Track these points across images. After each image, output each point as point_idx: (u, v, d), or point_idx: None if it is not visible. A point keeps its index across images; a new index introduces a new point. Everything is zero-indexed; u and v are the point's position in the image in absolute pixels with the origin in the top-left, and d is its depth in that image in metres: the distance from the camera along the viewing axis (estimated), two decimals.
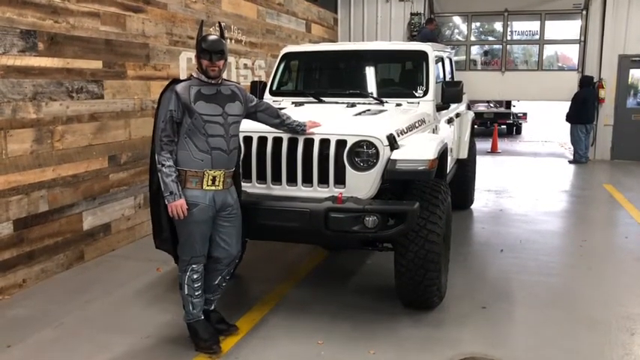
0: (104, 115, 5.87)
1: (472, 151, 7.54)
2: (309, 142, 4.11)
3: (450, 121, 6.09)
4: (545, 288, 4.95)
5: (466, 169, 7.35)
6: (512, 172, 11.47)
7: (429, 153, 4.06)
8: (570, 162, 12.58)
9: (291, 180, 4.18)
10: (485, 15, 14.21)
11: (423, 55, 5.48)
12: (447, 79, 6.38)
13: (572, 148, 13.04)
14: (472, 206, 7.98)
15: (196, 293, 3.82)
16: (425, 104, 5.21)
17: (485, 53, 15.03)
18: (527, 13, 13.47)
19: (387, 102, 5.19)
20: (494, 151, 14.66)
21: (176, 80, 3.71)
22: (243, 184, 4.24)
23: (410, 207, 3.90)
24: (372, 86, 5.49)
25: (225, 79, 3.84)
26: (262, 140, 4.21)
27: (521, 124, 20.00)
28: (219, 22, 3.87)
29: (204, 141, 3.61)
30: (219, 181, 3.68)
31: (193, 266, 3.76)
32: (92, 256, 5.76)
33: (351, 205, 3.92)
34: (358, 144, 4.05)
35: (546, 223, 7.24)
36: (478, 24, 14.96)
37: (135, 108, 6.36)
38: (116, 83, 6.05)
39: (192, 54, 7.54)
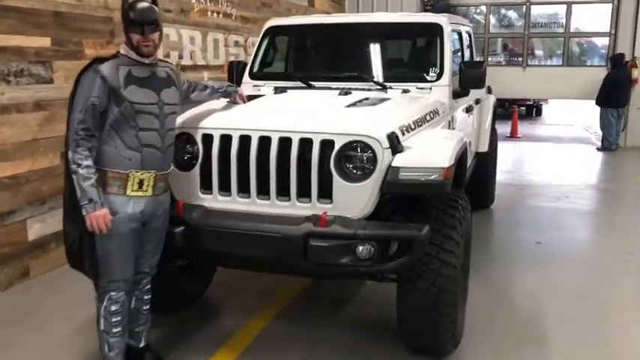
0: (54, 103, 4.89)
1: (493, 141, 6.48)
2: (285, 143, 3.12)
3: (469, 109, 5.05)
4: (588, 320, 3.96)
5: (486, 163, 6.30)
6: (536, 161, 10.41)
7: (444, 158, 3.05)
8: (599, 149, 11.47)
9: (263, 192, 3.20)
10: (505, 5, 13.13)
11: (436, 29, 4.42)
12: (466, 58, 5.31)
13: (598, 132, 11.93)
14: (492, 205, 6.94)
15: (114, 330, 2.97)
16: (438, 90, 4.18)
17: (505, 47, 14.06)
18: (551, 3, 12.33)
19: (391, 88, 4.16)
20: (514, 135, 13.55)
21: (99, 59, 2.86)
22: (201, 195, 3.31)
23: (417, 232, 2.91)
24: (373, 68, 4.45)
25: (160, 59, 3.01)
26: (226, 139, 3.22)
27: (541, 105, 18.89)
28: None
29: (134, 135, 2.83)
30: (147, 185, 2.89)
31: (111, 294, 2.94)
32: (40, 271, 4.83)
33: (339, 228, 2.94)
34: (349, 146, 3.06)
35: (580, 229, 6.22)
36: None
37: None
38: (70, 64, 5.05)
39: (169, 29, 6.55)
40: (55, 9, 4.88)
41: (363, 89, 4.15)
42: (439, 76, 4.24)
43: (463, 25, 5.32)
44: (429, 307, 3.10)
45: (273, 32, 4.80)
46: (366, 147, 3.04)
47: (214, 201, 3.29)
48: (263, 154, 3.15)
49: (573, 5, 12.33)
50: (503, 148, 9.90)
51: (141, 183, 2.84)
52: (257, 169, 3.17)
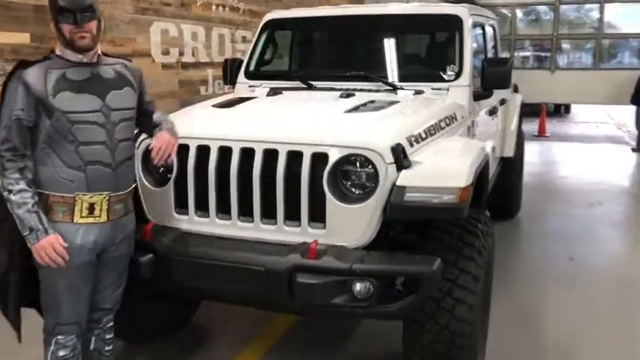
0: None
1: (520, 145, 5.90)
2: (271, 155, 2.63)
3: (492, 111, 4.50)
4: (632, 355, 3.40)
5: (512, 169, 5.71)
6: (565, 163, 9.76)
7: (460, 176, 2.52)
8: (634, 150, 10.74)
9: (246, 213, 2.72)
10: (532, 5, 12.47)
11: (455, 22, 3.87)
12: (490, 55, 4.75)
13: (632, 131, 11.23)
14: (518, 213, 6.36)
15: None
16: (457, 91, 3.64)
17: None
18: (583, 2, 11.65)
19: (402, 88, 3.65)
20: (541, 134, 12.84)
21: (25, 63, 2.33)
22: (176, 215, 2.85)
23: (425, 268, 2.39)
24: (382, 65, 3.90)
25: (106, 54, 2.51)
26: (203, 151, 2.75)
27: None
28: None
29: (74, 151, 2.31)
30: (99, 210, 2.37)
31: (59, 338, 2.44)
32: None
33: (331, 261, 2.44)
34: (346, 160, 2.57)
35: (617, 241, 5.65)
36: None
37: None
38: None
39: (168, 25, 6.11)
40: (36, 2, 4.46)
41: (370, 90, 3.64)
42: (458, 74, 3.69)
43: (486, 17, 4.75)
44: (442, 354, 2.58)
45: (273, 26, 4.31)
46: (366, 161, 2.55)
47: (190, 223, 2.82)
48: (246, 169, 2.67)
49: (606, 4, 11.63)
50: (530, 148, 9.33)
51: (91, 208, 2.34)
52: (239, 187, 2.70)
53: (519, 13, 13.01)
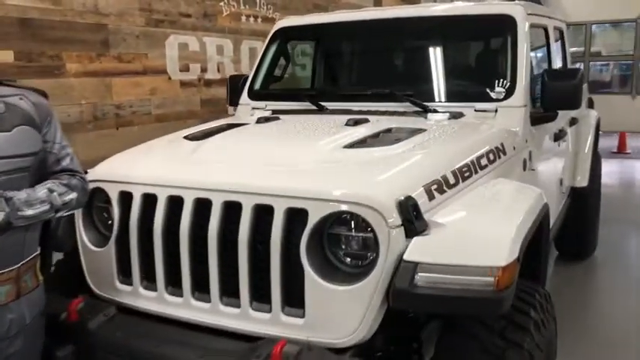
0: None
1: (595, 172, 4.89)
2: (233, 210, 1.89)
3: (558, 136, 3.56)
4: None
5: (586, 201, 4.72)
6: None
7: (501, 248, 1.68)
8: None
9: (202, 288, 1.98)
10: (609, 23, 11.24)
11: (506, 24, 2.99)
12: (555, 66, 3.78)
13: None
14: (595, 252, 5.33)
15: None
16: (507, 113, 2.77)
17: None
18: None
19: (435, 111, 2.81)
20: (621, 151, 11.47)
21: None
22: (119, 285, 2.15)
23: None
24: (413, 81, 3.09)
25: (6, 83, 1.84)
26: (149, 201, 2.04)
27: None
28: None
29: None
30: None
31: None
32: None
33: None
34: (335, 219, 1.78)
35: None
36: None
37: (83, 118, 4.40)
38: (46, 83, 4.07)
39: (188, 38, 5.51)
40: (21, 15, 3.91)
41: (395, 113, 2.84)
42: (509, 91, 2.80)
43: (550, 18, 3.81)
44: None
45: (284, 36, 3.56)
46: (363, 222, 1.75)
47: (134, 296, 2.11)
48: (201, 227, 1.94)
49: None
50: (608, 168, 8.19)
51: None
52: (191, 252, 1.96)
53: (594, 28, 11.74)
